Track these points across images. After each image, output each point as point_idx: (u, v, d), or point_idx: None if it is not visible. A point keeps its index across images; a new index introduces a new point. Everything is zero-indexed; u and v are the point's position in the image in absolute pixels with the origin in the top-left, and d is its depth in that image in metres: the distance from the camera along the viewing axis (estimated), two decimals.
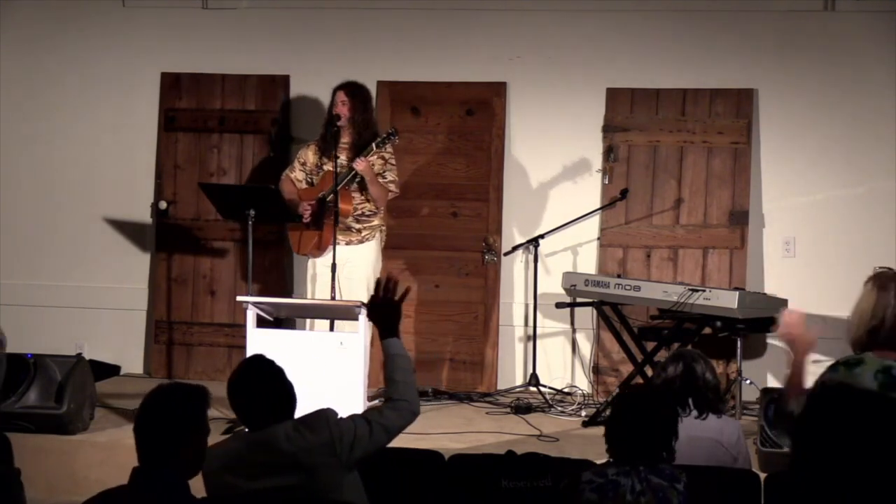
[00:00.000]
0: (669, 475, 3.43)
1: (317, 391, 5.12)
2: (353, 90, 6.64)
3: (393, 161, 6.65)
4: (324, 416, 3.64)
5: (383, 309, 3.81)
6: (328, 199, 6.46)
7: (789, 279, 7.22)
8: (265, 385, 3.64)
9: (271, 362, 3.71)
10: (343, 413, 3.71)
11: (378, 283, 3.86)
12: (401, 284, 3.86)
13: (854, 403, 2.83)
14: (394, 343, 3.78)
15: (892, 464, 2.72)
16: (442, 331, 7.52)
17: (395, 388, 3.73)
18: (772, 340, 7.18)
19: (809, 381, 3.73)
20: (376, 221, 6.69)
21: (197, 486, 3.39)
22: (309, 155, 6.76)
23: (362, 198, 6.60)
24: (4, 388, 5.88)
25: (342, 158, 6.51)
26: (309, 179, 6.73)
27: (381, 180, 6.56)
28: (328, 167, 6.58)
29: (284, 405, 3.65)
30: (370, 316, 3.86)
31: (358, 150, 6.51)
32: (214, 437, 4.06)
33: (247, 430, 3.68)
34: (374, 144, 6.47)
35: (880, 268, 3.84)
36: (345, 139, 6.59)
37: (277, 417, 3.61)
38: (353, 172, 6.47)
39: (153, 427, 3.13)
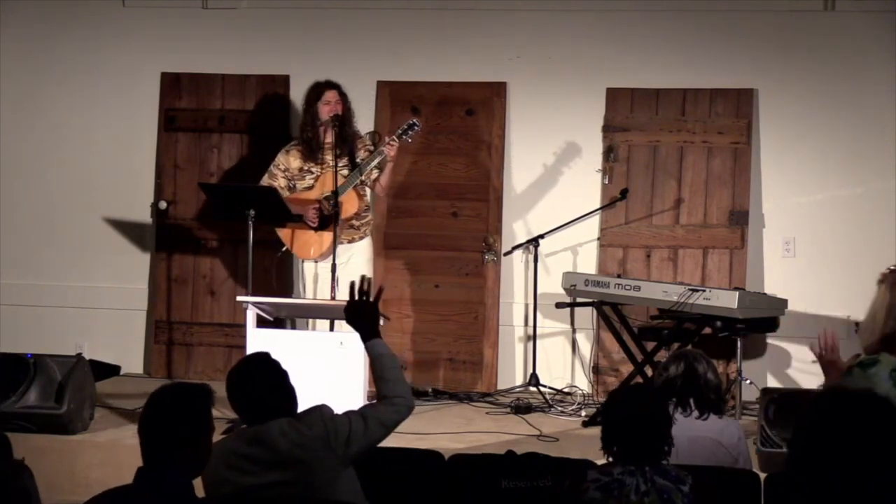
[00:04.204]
0: (675, 477, 3.43)
1: (317, 391, 5.11)
2: (342, 89, 6.67)
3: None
4: (318, 412, 3.63)
5: (361, 312, 3.78)
6: (339, 199, 6.41)
7: (789, 279, 7.21)
8: (262, 381, 3.63)
9: (269, 359, 3.70)
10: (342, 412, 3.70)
11: (352, 285, 3.81)
12: (374, 284, 3.82)
13: (852, 406, 2.83)
14: (378, 344, 3.75)
15: (890, 464, 2.72)
16: (441, 331, 7.51)
17: (388, 387, 3.70)
18: (772, 340, 7.19)
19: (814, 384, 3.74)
20: (369, 216, 6.78)
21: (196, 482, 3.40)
22: (290, 160, 6.69)
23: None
24: (4, 388, 5.89)
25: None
26: (291, 185, 6.70)
27: (374, 172, 6.61)
28: (324, 168, 6.57)
29: (282, 403, 3.63)
30: (349, 321, 3.80)
31: (341, 147, 6.49)
32: (215, 437, 4.07)
33: (244, 426, 3.68)
34: (398, 132, 6.52)
35: (894, 266, 3.79)
36: (328, 139, 6.60)
37: (275, 414, 3.59)
38: (373, 164, 6.48)
39: (159, 427, 3.12)
